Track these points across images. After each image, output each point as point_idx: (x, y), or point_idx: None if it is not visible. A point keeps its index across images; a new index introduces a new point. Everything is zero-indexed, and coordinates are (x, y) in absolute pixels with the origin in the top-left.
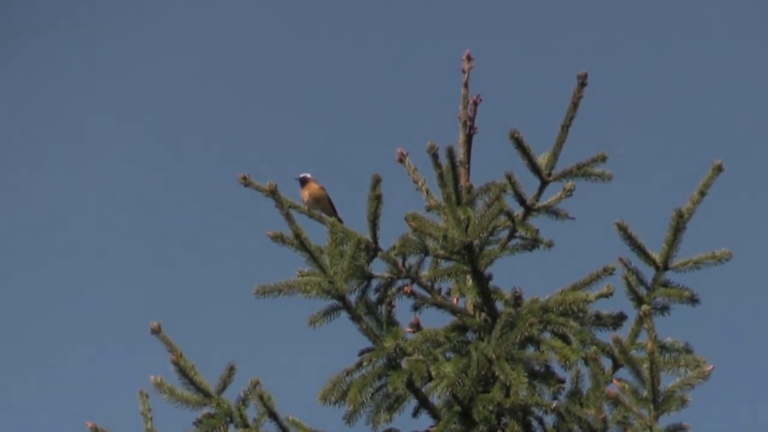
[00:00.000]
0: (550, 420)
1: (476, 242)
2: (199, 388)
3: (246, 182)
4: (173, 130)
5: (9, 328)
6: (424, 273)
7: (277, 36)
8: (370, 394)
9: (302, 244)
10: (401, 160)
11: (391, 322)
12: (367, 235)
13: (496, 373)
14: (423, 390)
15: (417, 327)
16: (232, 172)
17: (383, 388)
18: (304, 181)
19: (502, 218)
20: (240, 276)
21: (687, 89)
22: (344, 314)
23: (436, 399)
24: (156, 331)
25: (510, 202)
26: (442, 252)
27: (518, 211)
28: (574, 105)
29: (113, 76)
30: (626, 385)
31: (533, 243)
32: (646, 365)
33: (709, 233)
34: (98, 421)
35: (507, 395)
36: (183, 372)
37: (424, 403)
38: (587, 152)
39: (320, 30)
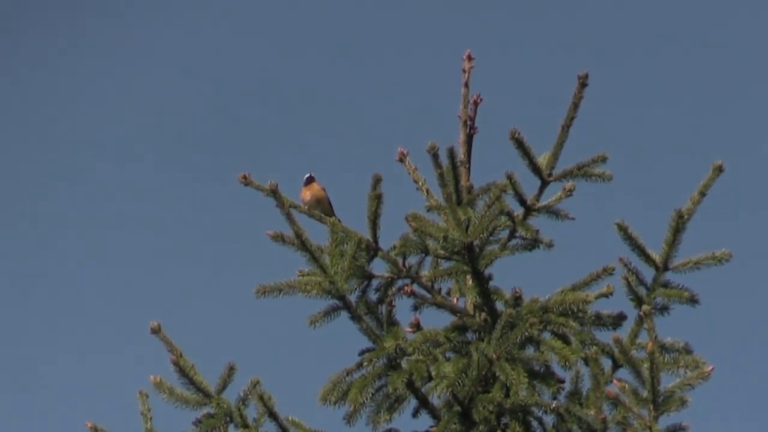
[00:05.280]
0: (550, 420)
1: (476, 242)
2: (199, 388)
3: (246, 181)
4: (172, 128)
5: (9, 327)
6: (425, 273)
7: (277, 34)
8: (370, 395)
9: (303, 244)
10: (401, 160)
11: (392, 322)
12: (368, 235)
13: (497, 374)
14: (423, 390)
15: (417, 327)
16: (232, 170)
17: (383, 389)
18: (309, 181)
19: (503, 218)
20: (240, 275)
21: (688, 88)
22: (344, 314)
23: (436, 399)
24: (156, 331)
25: (510, 202)
26: (442, 252)
27: (518, 211)
28: (575, 105)
29: (111, 73)
30: (626, 386)
31: (533, 243)
32: (646, 365)
33: (709, 233)
34: (98, 421)
35: (507, 395)
36: (183, 372)
37: (424, 403)
38: (587, 152)
39: (321, 28)
